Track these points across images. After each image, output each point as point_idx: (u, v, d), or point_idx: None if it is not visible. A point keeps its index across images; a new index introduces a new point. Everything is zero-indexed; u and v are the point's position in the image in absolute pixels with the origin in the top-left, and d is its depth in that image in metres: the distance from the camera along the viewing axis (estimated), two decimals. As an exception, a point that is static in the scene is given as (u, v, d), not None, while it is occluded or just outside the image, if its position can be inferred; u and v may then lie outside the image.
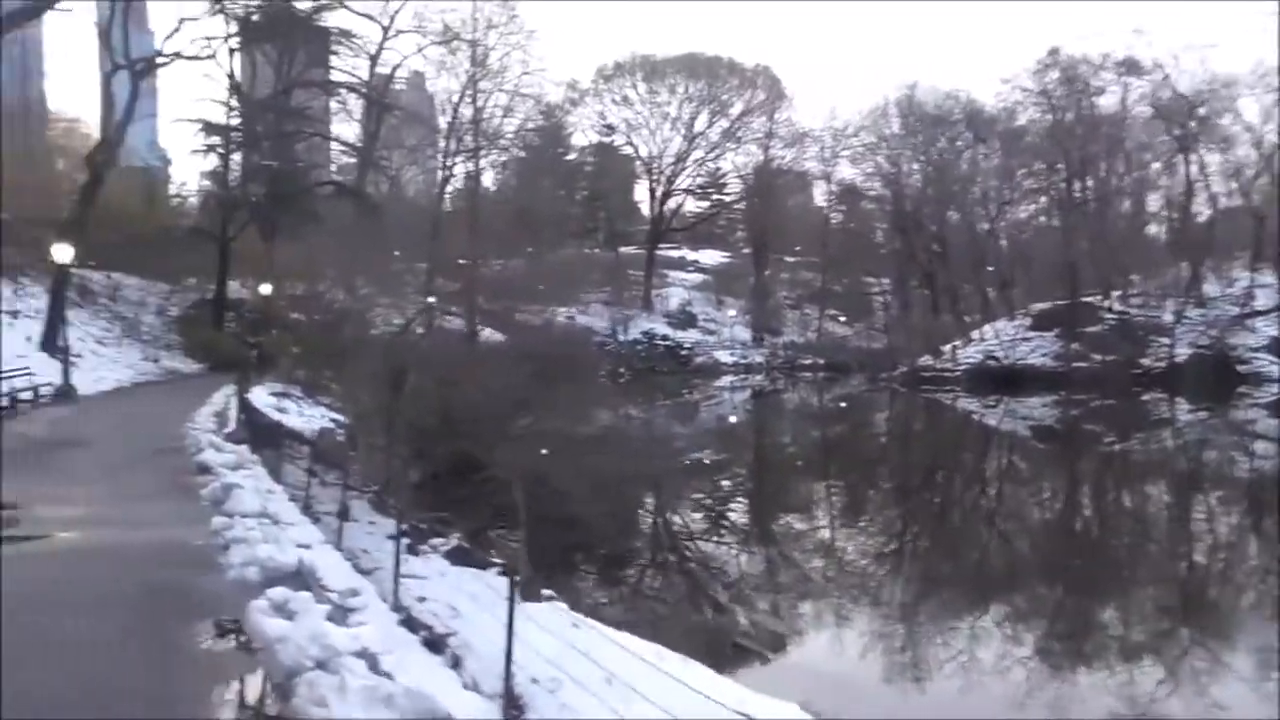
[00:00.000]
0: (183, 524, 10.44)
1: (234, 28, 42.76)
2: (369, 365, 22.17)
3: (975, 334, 69.82)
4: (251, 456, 15.00)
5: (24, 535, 9.84)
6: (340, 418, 27.75)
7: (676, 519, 18.76)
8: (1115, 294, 67.70)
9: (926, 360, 68.31)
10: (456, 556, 9.80)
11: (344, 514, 10.06)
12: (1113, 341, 64.11)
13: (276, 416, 19.70)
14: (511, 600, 5.45)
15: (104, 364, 33.86)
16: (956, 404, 59.74)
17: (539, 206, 74.83)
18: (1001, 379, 62.29)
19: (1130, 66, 70.22)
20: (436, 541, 10.19)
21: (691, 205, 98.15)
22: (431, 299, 63.55)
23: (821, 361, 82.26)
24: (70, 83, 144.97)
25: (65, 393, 25.56)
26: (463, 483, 17.21)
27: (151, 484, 13.24)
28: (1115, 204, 74.23)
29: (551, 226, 75.67)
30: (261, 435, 17.54)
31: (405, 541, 9.07)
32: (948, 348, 69.20)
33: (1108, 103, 72.47)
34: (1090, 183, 73.24)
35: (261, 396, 24.76)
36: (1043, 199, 79.07)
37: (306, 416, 25.55)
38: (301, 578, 8.07)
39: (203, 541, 9.55)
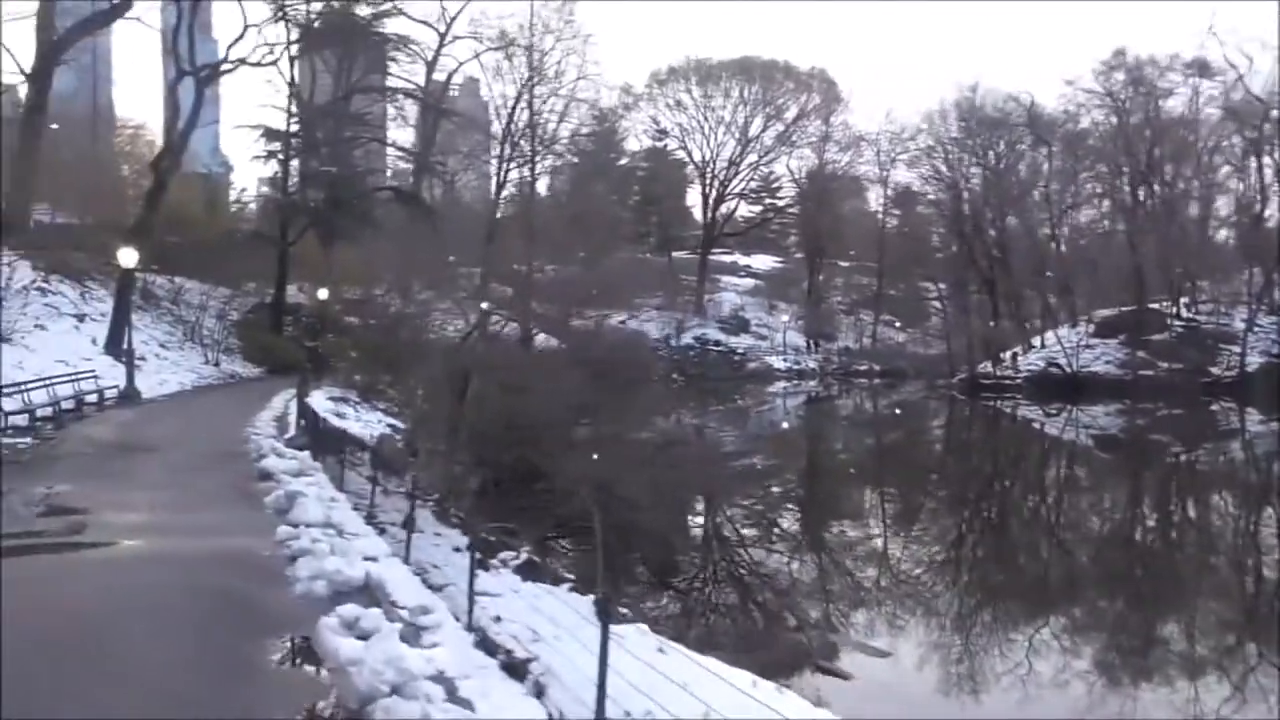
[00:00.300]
0: (247, 533, 10.23)
1: (295, 34, 43.21)
2: (428, 371, 21.95)
3: (1036, 340, 68.31)
4: (313, 463, 14.82)
5: (90, 542, 9.71)
6: (397, 423, 27.71)
7: (743, 530, 18.25)
8: (1183, 300, 65.75)
9: (986, 367, 67.00)
10: (526, 571, 9.41)
11: (410, 525, 9.74)
12: (1180, 349, 62.31)
13: (336, 422, 19.57)
14: (605, 629, 5.04)
15: (166, 367, 34.27)
16: (1017, 412, 58.45)
17: (592, 211, 74.65)
18: (1065, 387, 60.88)
19: (1200, 67, 68.28)
20: (506, 555, 9.82)
21: (743, 210, 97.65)
22: (485, 304, 63.72)
23: (877, 367, 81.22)
24: (135, 89, 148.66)
25: (129, 396, 25.82)
26: (523, 491, 16.88)
27: (215, 490, 13.11)
28: (1183, 208, 72.13)
29: (604, 231, 75.34)
30: (322, 441, 17.42)
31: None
32: (1008, 354, 67.76)
33: (1175, 104, 70.55)
34: (1156, 186, 71.27)
35: (319, 401, 24.73)
36: (1105, 203, 77.32)
37: (364, 421, 25.49)
38: (370, 593, 7.77)
39: (269, 552, 9.31)
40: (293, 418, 23.10)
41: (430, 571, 8.95)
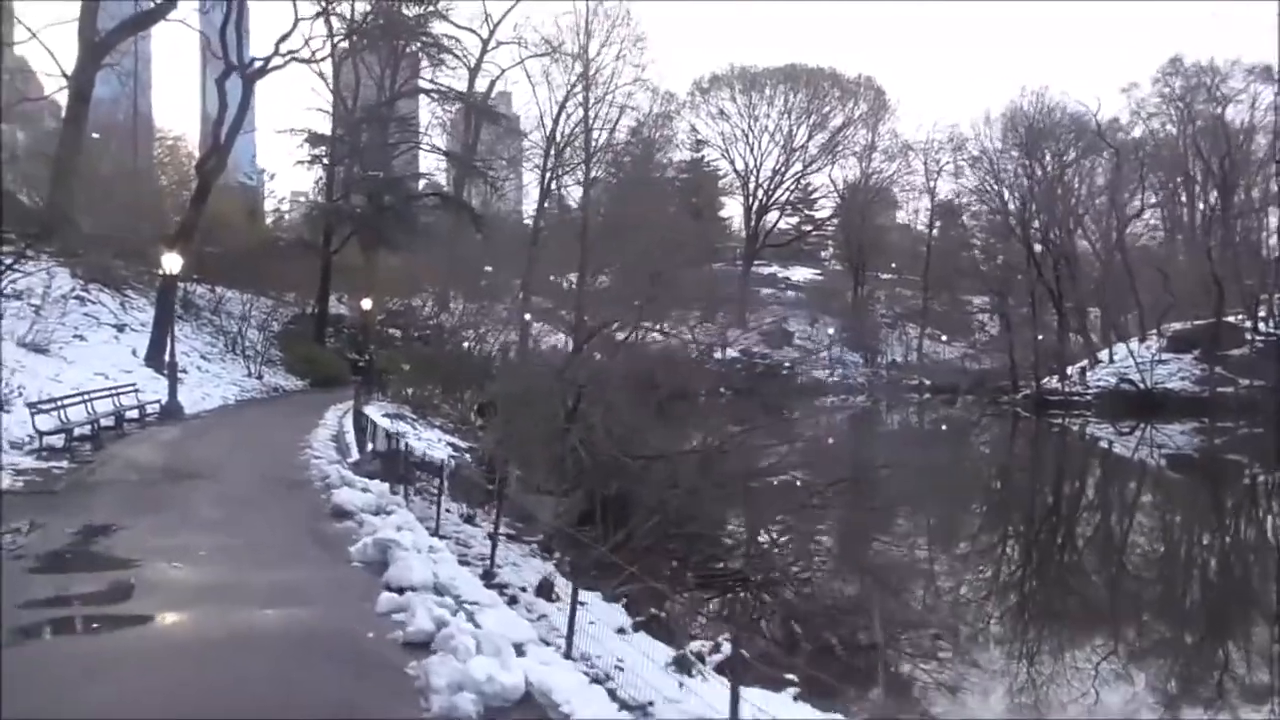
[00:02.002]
0: (337, 600, 7.97)
1: (340, 34, 41.39)
2: (514, 387, 19.70)
3: (1102, 355, 65.36)
4: (394, 498, 12.56)
5: (136, 616, 7.46)
6: (457, 441, 25.63)
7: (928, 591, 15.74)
8: (1259, 314, 62.45)
9: (1049, 382, 64.10)
10: (734, 670, 6.97)
11: (574, 604, 7.28)
12: (1261, 364, 59.06)
13: (406, 443, 17.34)
14: None
15: (208, 380, 32.39)
16: (1089, 430, 55.60)
17: (631, 222, 72.44)
18: (1138, 404, 57.91)
19: (1264, 73, 65.64)
20: (700, 646, 7.40)
21: (782, 221, 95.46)
22: (528, 316, 61.79)
23: (927, 382, 78.52)
24: (170, 101, 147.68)
25: (172, 411, 23.85)
26: (624, 524, 14.44)
27: (283, 533, 10.87)
28: (1257, 217, 69.09)
29: (644, 242, 73.07)
30: (393, 467, 15.21)
31: (660, 646, 6.36)
32: (1074, 369, 64.83)
33: (1237, 111, 67.71)
34: (1219, 195, 68.33)
35: (377, 418, 22.61)
36: (1161, 213, 74.42)
37: (425, 440, 23.36)
38: (539, 713, 5.47)
39: (373, 634, 7.01)
40: (350, 437, 20.98)
41: (611, 674, 6.61)
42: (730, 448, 15.12)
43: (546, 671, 6.13)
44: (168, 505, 12.41)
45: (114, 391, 21.81)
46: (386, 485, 13.22)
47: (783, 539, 12.61)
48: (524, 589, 8.76)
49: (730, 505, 14.01)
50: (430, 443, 23.22)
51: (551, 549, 12.24)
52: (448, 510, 11.86)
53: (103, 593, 8.10)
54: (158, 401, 23.83)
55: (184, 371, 28.84)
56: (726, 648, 7.58)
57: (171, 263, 25.40)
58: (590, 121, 63.44)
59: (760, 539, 12.73)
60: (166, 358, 25.42)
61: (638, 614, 8.45)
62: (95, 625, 7.27)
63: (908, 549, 15.88)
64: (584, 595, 8.73)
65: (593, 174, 68.70)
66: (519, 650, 6.46)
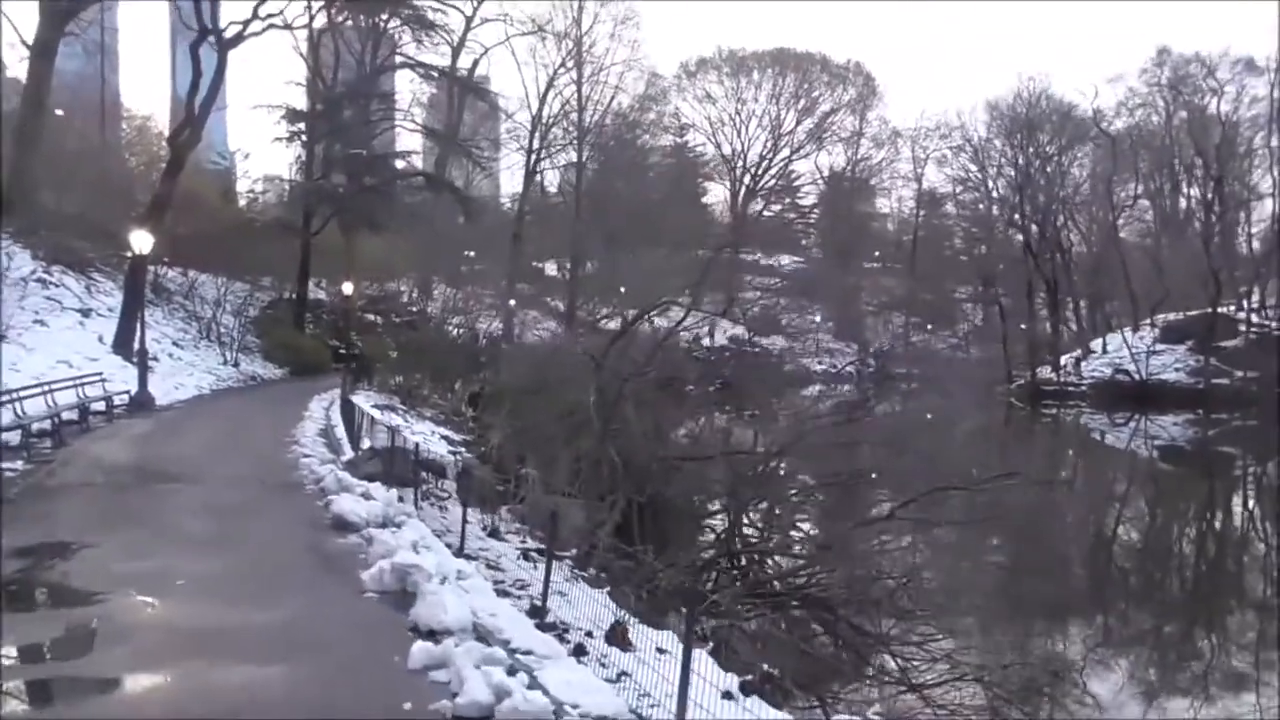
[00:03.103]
0: (355, 650, 6.33)
1: (319, 3, 39.17)
2: (522, 378, 18.04)
3: (1095, 345, 64.55)
4: (402, 506, 10.92)
5: (99, 679, 5.79)
6: (451, 434, 23.98)
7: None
8: (1254, 305, 61.74)
9: (1045, 373, 63.17)
10: None
11: (683, 665, 5.64)
12: (1255, 356, 58.30)
13: (416, 442, 15.60)
14: None
15: (181, 368, 30.43)
16: (1084, 421, 54.68)
17: (613, 207, 70.91)
18: (1133, 395, 57.06)
19: (1250, 66, 65.25)
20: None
21: (767, 208, 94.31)
22: (512, 302, 60.10)
23: (915, 371, 77.58)
24: (138, 81, 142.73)
25: (142, 402, 22.04)
26: (659, 531, 12.85)
27: (276, 552, 9.20)
28: (1246, 208, 68.66)
29: (627, 228, 71.69)
30: (394, 467, 13.57)
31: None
32: (1067, 359, 63.92)
33: (1223, 102, 67.08)
34: (1210, 187, 67.84)
35: (369, 410, 20.90)
36: (1151, 203, 73.84)
37: (419, 434, 21.64)
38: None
39: (410, 704, 5.39)
40: (340, 431, 19.30)
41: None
42: (790, 448, 13.51)
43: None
44: (138, 516, 10.70)
45: (78, 381, 19.99)
46: (390, 489, 11.57)
47: (887, 561, 11.01)
48: (589, 632, 7.14)
49: (794, 515, 12.41)
50: (424, 436, 21.55)
51: (587, 565, 10.65)
52: (468, 522, 10.26)
53: (56, 643, 6.43)
54: (127, 392, 22.05)
55: (155, 359, 26.98)
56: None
57: (141, 241, 23.48)
58: (582, 101, 61.69)
59: (849, 560, 11.11)
60: (136, 345, 23.57)
61: (724, 659, 6.91)
62: (42, 697, 5.60)
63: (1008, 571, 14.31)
64: (658, 637, 7.15)
65: (568, 159, 67.13)
66: (607, 729, 4.90)
